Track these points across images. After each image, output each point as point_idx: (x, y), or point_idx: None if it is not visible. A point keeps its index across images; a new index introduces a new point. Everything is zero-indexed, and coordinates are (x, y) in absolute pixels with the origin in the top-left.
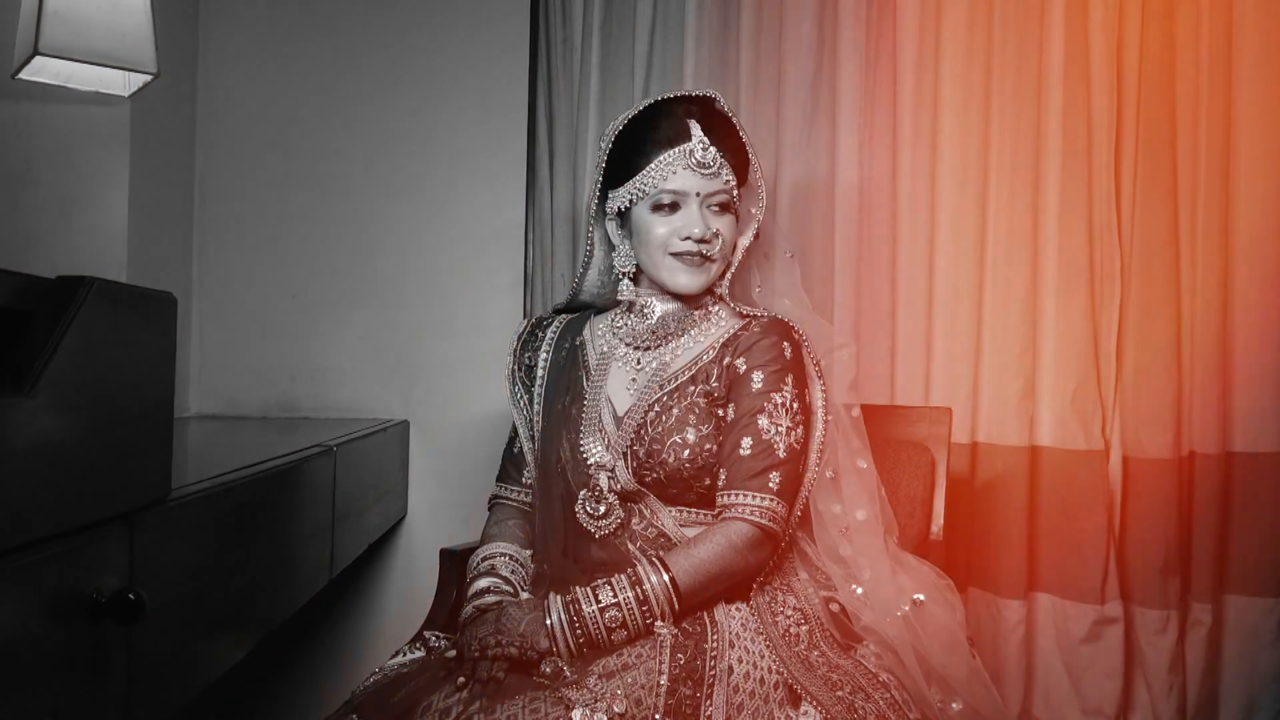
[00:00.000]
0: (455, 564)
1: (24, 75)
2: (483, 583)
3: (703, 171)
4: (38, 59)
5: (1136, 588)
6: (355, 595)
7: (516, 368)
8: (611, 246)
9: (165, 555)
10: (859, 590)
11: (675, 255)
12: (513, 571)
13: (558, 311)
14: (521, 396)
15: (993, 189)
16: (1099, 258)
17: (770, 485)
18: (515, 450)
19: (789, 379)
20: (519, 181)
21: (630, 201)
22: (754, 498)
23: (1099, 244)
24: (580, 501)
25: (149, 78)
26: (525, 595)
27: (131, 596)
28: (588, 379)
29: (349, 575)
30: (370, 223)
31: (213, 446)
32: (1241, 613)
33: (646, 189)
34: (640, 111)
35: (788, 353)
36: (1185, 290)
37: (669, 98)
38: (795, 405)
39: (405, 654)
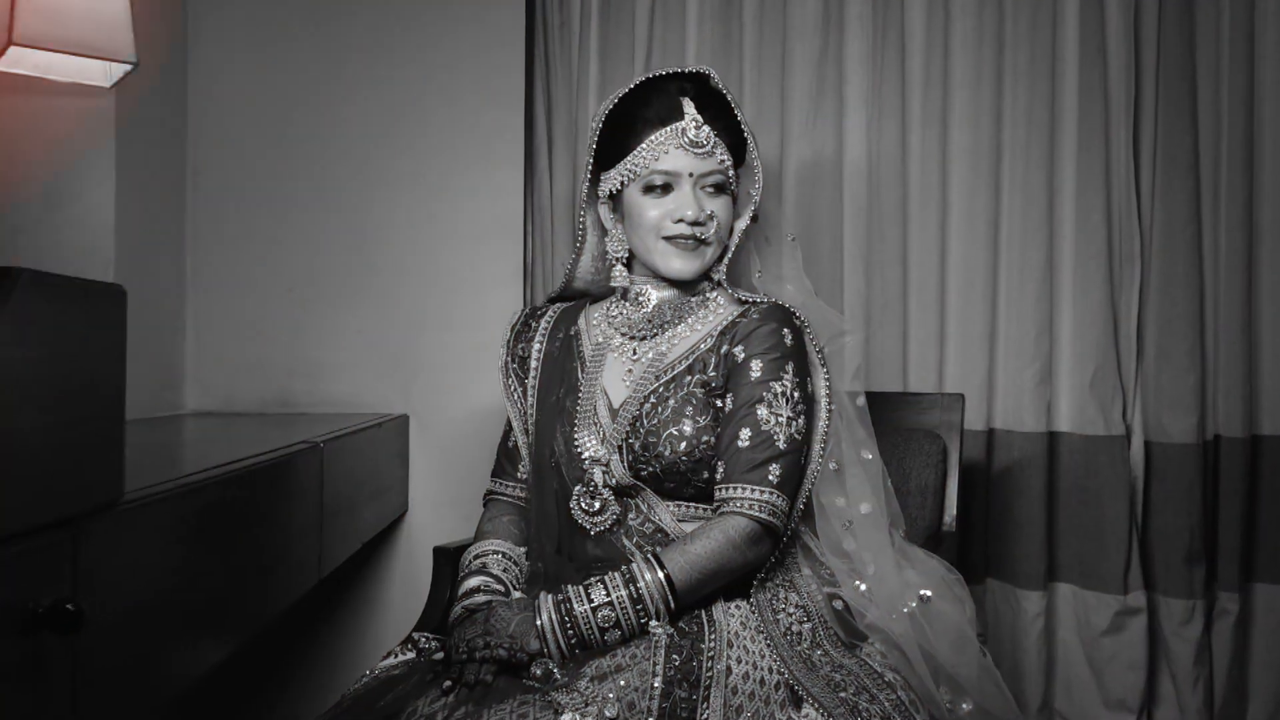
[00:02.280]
0: (449, 562)
1: (1, 67)
2: (473, 582)
3: (696, 151)
4: (14, 50)
5: (1160, 577)
6: (353, 594)
7: (510, 359)
8: (604, 231)
9: (118, 561)
10: (863, 586)
11: (668, 239)
12: (505, 570)
13: (552, 300)
14: (515, 389)
15: (1006, 168)
16: (1118, 237)
17: (770, 478)
18: (510, 444)
19: (789, 367)
20: (517, 170)
21: (622, 184)
22: (752, 491)
23: (1117, 223)
24: (575, 497)
25: (129, 68)
26: (517, 594)
27: (69, 607)
28: (582, 370)
29: (346, 573)
30: (366, 214)
31: (201, 443)
32: (1270, 601)
33: (638, 170)
34: (632, 90)
35: (788, 340)
36: (1208, 269)
37: (661, 75)
38: (796, 394)
39: (396, 655)
